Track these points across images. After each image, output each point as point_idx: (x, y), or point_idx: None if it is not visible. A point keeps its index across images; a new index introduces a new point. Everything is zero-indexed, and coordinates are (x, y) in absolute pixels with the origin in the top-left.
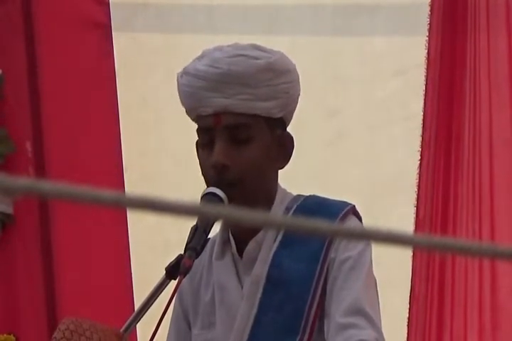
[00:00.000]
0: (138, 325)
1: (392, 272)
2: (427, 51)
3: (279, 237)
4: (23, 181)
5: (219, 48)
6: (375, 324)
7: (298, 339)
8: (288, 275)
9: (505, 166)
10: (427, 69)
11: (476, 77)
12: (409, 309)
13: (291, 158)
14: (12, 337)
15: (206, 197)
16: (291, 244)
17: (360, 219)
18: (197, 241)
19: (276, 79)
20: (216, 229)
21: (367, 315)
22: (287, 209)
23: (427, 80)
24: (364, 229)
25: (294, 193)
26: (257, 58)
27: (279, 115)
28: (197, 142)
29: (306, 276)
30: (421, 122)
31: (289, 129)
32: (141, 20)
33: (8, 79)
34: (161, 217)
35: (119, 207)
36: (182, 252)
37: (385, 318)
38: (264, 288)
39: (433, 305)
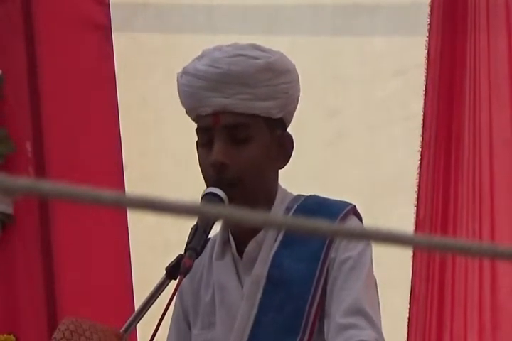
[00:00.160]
0: (138, 325)
1: (392, 272)
2: (427, 51)
3: (280, 237)
4: (23, 181)
5: (218, 48)
6: (375, 324)
7: (298, 339)
8: (288, 276)
9: (505, 166)
10: (427, 69)
11: (476, 77)
12: (410, 309)
13: (292, 158)
14: (12, 337)
15: (206, 197)
16: (291, 244)
17: (360, 219)
18: (197, 241)
19: (276, 79)
20: (216, 229)
21: (367, 315)
22: (288, 209)
23: (427, 80)
24: (364, 229)
25: (295, 193)
26: (256, 58)
27: (278, 115)
28: (197, 142)
29: (306, 276)
30: (421, 122)
31: (289, 129)
32: (141, 21)
33: (8, 79)
34: (161, 217)
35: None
36: (182, 252)
37: (385, 318)
38: (265, 288)
39: (433, 305)
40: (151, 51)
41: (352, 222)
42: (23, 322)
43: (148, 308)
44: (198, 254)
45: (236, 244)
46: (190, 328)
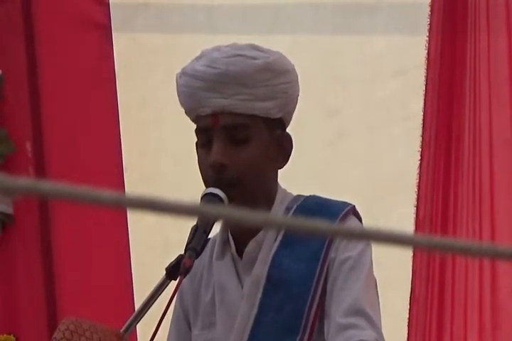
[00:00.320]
0: (138, 325)
1: (392, 272)
2: (426, 51)
3: (279, 237)
4: (23, 181)
5: (217, 48)
6: (375, 324)
7: (298, 339)
8: (288, 276)
9: (505, 166)
10: (427, 69)
11: (476, 77)
12: (410, 309)
13: (291, 158)
14: (12, 337)
15: (206, 197)
16: (291, 244)
17: (360, 219)
18: (197, 241)
19: (275, 80)
20: (217, 229)
21: (367, 315)
22: (287, 209)
23: (426, 80)
24: (364, 229)
25: (294, 193)
26: (254, 58)
27: (277, 115)
28: (196, 142)
29: (306, 276)
30: (421, 122)
31: (288, 129)
32: (141, 21)
33: (8, 79)
34: (161, 217)
35: (119, 207)
36: (182, 252)
37: (385, 319)
38: (265, 288)
39: (433, 305)
40: (151, 51)
41: (352, 222)
42: (23, 322)
43: (149, 308)
44: (198, 254)
45: (236, 244)
46: (190, 328)
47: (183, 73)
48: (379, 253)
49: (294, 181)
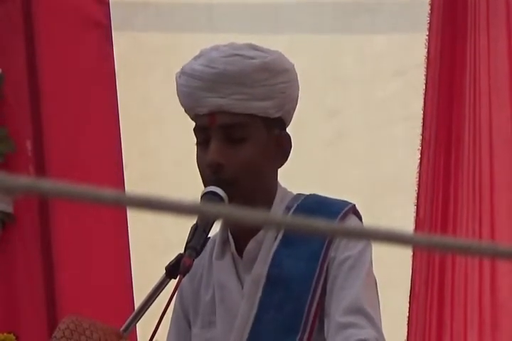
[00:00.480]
0: (138, 324)
1: (392, 272)
2: (426, 50)
3: (280, 236)
4: (23, 180)
5: (215, 48)
6: (375, 323)
7: (298, 338)
8: (288, 275)
9: (505, 165)
10: (427, 68)
11: (476, 77)
12: (409, 308)
13: (292, 157)
14: (12, 336)
15: (206, 196)
16: (291, 243)
17: (360, 218)
18: (197, 240)
19: (273, 79)
20: (217, 228)
21: (367, 314)
22: (287, 209)
23: (426, 79)
24: (364, 228)
25: (295, 192)
26: (252, 58)
27: (276, 115)
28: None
29: (306, 275)
30: (421, 122)
31: (289, 129)
32: (141, 20)
33: (8, 78)
34: (161, 216)
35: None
36: (182, 251)
37: (385, 317)
38: (265, 287)
39: (433, 304)
40: (151, 50)
41: (352, 221)
42: (23, 321)
43: (148, 307)
44: (197, 253)
45: (236, 243)
46: (190, 327)
47: (182, 72)
48: (379, 252)
49: (295, 180)
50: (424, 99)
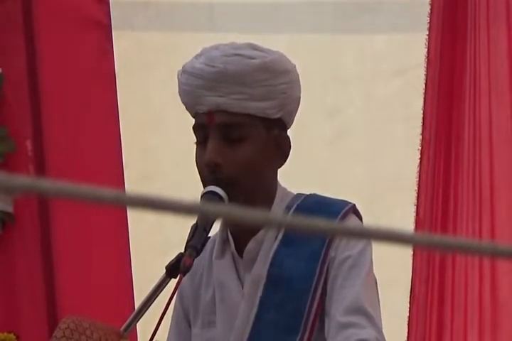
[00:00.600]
0: (138, 324)
1: (392, 271)
2: (426, 50)
3: (280, 236)
4: (23, 180)
5: (216, 47)
6: (375, 323)
7: (298, 338)
8: (288, 274)
9: (505, 165)
10: (427, 67)
11: (476, 76)
12: (410, 308)
13: (292, 157)
14: (12, 335)
15: (206, 195)
16: (291, 242)
17: (360, 218)
18: (197, 239)
19: (274, 80)
20: (217, 228)
21: (367, 313)
22: (288, 208)
23: (426, 79)
24: (364, 228)
25: (295, 192)
26: (252, 58)
27: (276, 115)
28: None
29: (306, 275)
30: (421, 121)
31: (289, 129)
32: (142, 19)
33: (8, 78)
34: (161, 215)
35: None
36: (182, 251)
37: (385, 317)
38: (265, 287)
39: (433, 304)
40: (151, 50)
41: (352, 221)
42: (23, 321)
43: (149, 307)
44: (198, 253)
45: (236, 243)
46: (190, 327)
47: (183, 70)
48: (379, 252)
49: (295, 180)
50: (424, 98)
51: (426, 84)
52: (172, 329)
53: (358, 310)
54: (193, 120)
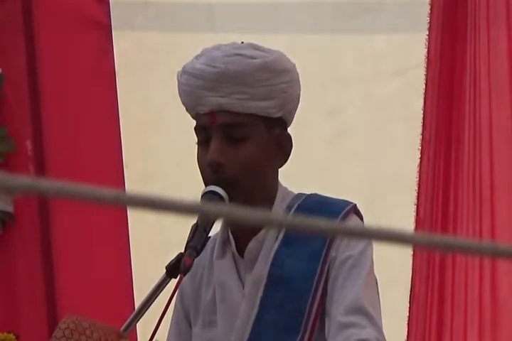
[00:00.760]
0: (138, 324)
1: (392, 271)
2: (426, 50)
3: (281, 236)
4: (23, 179)
5: (217, 47)
6: (375, 323)
7: (299, 338)
8: (289, 274)
9: (505, 165)
10: (427, 67)
11: (476, 76)
12: (410, 308)
13: (292, 157)
14: (12, 335)
15: (206, 195)
16: (292, 242)
17: (361, 218)
18: (197, 239)
19: (274, 79)
20: (217, 227)
21: (368, 313)
22: (288, 208)
23: (426, 79)
24: (365, 227)
25: (295, 192)
26: (253, 58)
27: (277, 115)
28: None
29: (307, 275)
30: (421, 121)
31: (289, 129)
32: (142, 19)
33: (8, 78)
34: (161, 215)
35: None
36: (182, 251)
37: (386, 317)
38: (265, 287)
39: (433, 304)
40: (151, 50)
41: (353, 221)
42: (23, 321)
43: (149, 307)
44: (198, 253)
45: (236, 243)
46: (190, 327)
47: (184, 71)
48: (379, 252)
49: (295, 180)
50: (424, 98)
51: (426, 84)
52: (172, 329)
53: (359, 310)
54: (194, 120)
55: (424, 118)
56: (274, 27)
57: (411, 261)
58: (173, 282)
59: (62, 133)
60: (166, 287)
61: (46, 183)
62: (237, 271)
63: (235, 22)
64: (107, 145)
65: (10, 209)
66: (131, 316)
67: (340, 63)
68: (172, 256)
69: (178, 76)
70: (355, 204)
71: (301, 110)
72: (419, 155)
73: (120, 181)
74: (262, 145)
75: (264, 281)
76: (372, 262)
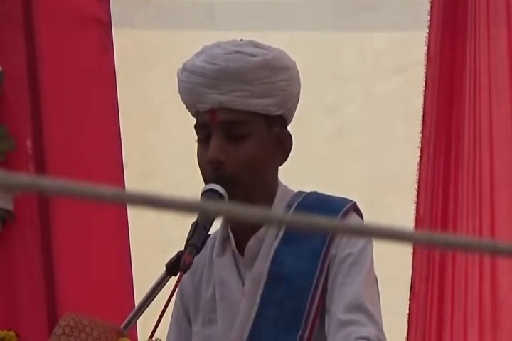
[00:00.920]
0: (138, 322)
1: (392, 269)
2: (426, 48)
3: (280, 234)
4: (23, 178)
5: (217, 45)
6: (375, 320)
7: (298, 335)
8: (289, 272)
9: (505, 163)
10: (427, 65)
11: (476, 74)
12: (410, 306)
13: (292, 155)
14: (12, 333)
15: (206, 193)
16: (292, 240)
17: (361, 216)
18: (197, 237)
19: (274, 77)
20: (217, 225)
21: (368, 311)
22: (288, 206)
23: (426, 77)
24: (364, 225)
25: (295, 190)
26: (253, 55)
27: (277, 112)
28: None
29: (307, 273)
30: (421, 119)
31: (289, 126)
32: (142, 17)
33: (8, 76)
34: (161, 213)
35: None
36: (182, 249)
37: (385, 315)
38: (265, 284)
39: (433, 302)
40: (151, 48)
41: (353, 219)
42: (23, 318)
43: (149, 304)
44: (198, 251)
45: (236, 241)
46: (190, 325)
47: (184, 69)
48: (380, 249)
49: (295, 178)
50: (424, 96)
51: (426, 82)
52: (172, 326)
53: (359, 308)
54: (194, 118)
55: (424, 116)
56: (274, 24)
57: (411, 259)
58: (173, 280)
59: (62, 131)
60: (166, 285)
61: (46, 181)
62: (237, 268)
63: (235, 19)
64: (107, 143)
65: (10, 207)
66: (131, 314)
67: (340, 61)
68: (172, 254)
69: (178, 73)
70: (355, 202)
71: (300, 108)
72: (419, 153)
73: (120, 180)
74: (262, 143)
75: (264, 279)
76: (373, 260)
